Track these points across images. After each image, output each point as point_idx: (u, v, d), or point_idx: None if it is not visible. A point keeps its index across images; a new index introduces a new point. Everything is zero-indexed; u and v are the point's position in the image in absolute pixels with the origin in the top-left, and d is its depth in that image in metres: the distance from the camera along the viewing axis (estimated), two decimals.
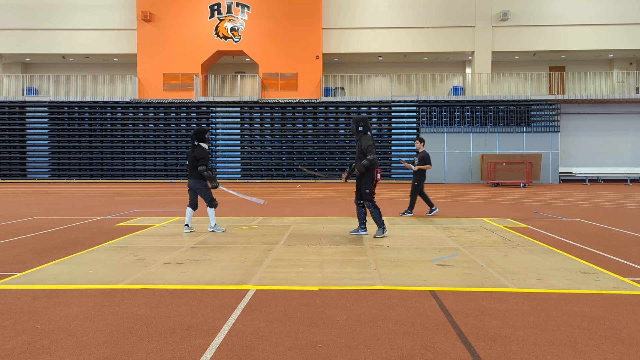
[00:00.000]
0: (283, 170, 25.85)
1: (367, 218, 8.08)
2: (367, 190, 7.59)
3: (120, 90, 28.92)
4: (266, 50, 26.39)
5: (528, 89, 26.92)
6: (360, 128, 7.69)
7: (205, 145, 8.27)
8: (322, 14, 26.26)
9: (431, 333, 3.63)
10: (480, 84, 26.14)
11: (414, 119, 25.38)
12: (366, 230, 7.97)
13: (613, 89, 27.79)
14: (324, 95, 26.32)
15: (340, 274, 5.38)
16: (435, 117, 25.21)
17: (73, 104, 26.23)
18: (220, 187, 8.76)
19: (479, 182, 24.37)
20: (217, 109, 26.09)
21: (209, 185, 8.29)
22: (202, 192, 8.23)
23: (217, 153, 25.72)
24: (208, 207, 8.28)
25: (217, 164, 25.64)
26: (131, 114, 26.15)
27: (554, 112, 25.02)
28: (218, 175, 25.31)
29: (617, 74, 27.96)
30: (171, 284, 4.98)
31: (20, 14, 26.91)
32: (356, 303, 4.33)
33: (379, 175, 7.66)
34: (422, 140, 10.89)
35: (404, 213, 10.75)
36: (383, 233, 7.72)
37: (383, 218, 8.35)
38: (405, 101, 25.55)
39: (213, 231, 8.34)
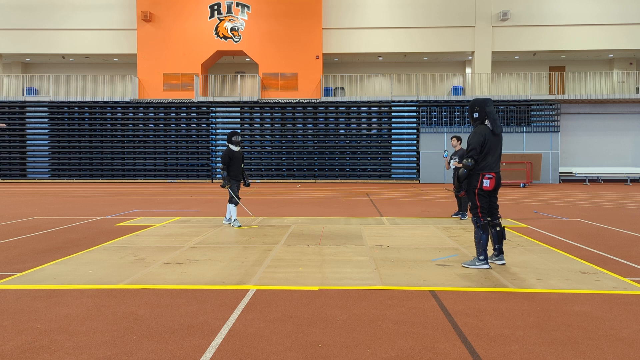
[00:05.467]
0: (283, 170, 25.85)
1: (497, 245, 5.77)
2: (470, 203, 5.75)
3: (120, 90, 28.91)
4: (266, 50, 26.38)
5: (528, 89, 26.91)
6: (476, 115, 5.59)
7: (232, 147, 9.21)
8: (322, 14, 26.25)
9: (431, 333, 3.62)
10: (480, 84, 26.12)
11: (414, 119, 25.37)
12: (487, 264, 5.60)
13: (613, 89, 27.78)
14: (324, 95, 26.31)
15: (340, 274, 5.38)
16: (435, 117, 25.20)
17: (73, 104, 26.23)
18: (229, 190, 9.27)
19: None
20: (217, 109, 26.08)
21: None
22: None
23: (217, 153, 25.70)
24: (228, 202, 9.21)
25: (217, 164, 25.61)
26: (131, 114, 26.15)
27: (554, 112, 25.01)
28: (217, 176, 25.32)
29: (617, 74, 27.95)
30: (171, 284, 4.98)
31: (21, 14, 26.90)
32: (356, 303, 4.33)
33: (485, 181, 5.50)
34: (459, 139, 10.32)
35: (455, 215, 10.40)
36: (476, 264, 5.61)
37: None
38: (405, 101, 25.55)
39: (228, 223, 9.21)
